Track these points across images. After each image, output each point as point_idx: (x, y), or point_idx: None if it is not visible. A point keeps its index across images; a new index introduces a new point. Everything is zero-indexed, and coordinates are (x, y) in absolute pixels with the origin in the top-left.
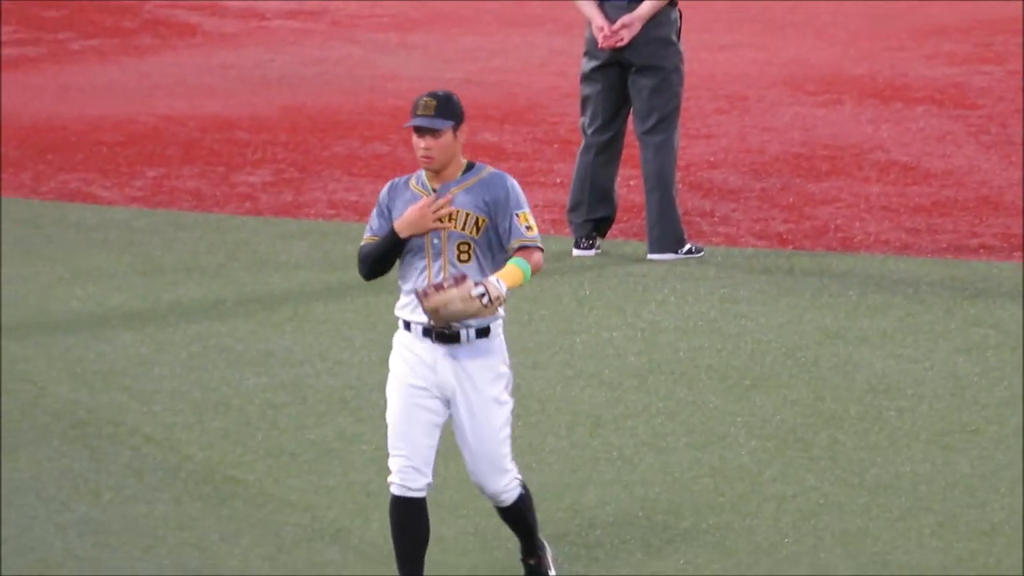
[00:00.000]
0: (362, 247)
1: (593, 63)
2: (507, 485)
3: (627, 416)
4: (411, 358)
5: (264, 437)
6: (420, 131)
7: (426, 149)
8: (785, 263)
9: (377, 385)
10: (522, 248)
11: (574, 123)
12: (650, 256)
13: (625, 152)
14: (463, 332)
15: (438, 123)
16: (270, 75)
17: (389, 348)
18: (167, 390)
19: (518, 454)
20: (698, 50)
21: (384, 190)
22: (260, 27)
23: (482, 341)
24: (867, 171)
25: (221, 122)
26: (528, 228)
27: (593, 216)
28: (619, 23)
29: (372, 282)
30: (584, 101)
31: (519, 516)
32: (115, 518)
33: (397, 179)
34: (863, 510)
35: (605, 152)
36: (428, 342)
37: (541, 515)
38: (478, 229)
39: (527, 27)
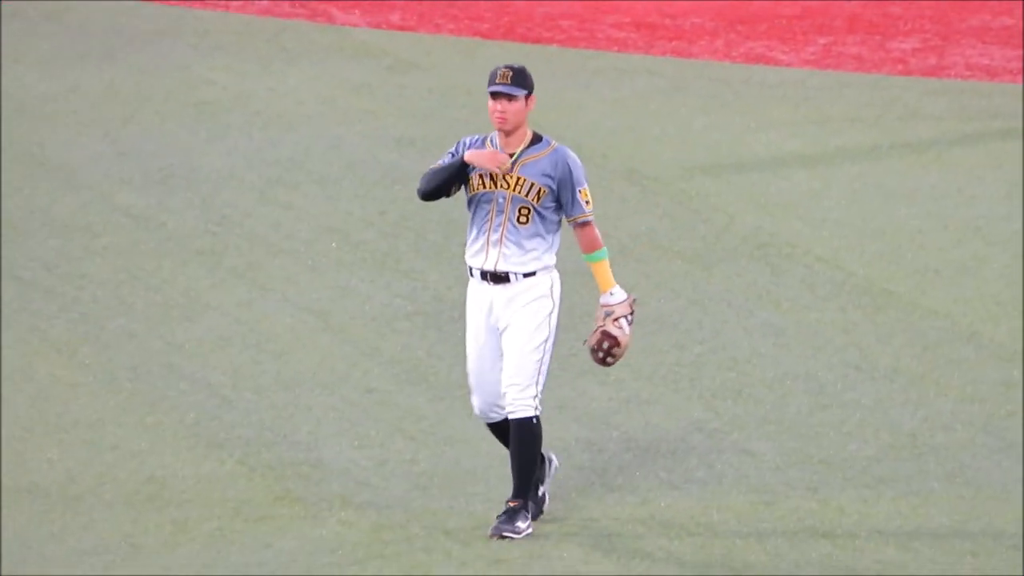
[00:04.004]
0: (429, 168)
1: None
2: (524, 400)
3: None
4: (472, 303)
5: (912, 257)
6: (496, 96)
7: (501, 112)
8: None
9: (1002, 215)
10: (583, 223)
11: None
12: None
13: None
14: (512, 275)
15: (514, 90)
16: None
17: (1013, 187)
18: (834, 219)
19: None
20: None
21: (460, 141)
22: None
23: (528, 279)
24: None
25: None
26: (587, 203)
27: None
28: None
29: (994, 131)
30: None
31: (523, 439)
32: (791, 323)
33: (468, 137)
34: None
35: None
36: (485, 284)
37: None
38: (539, 197)
39: None
